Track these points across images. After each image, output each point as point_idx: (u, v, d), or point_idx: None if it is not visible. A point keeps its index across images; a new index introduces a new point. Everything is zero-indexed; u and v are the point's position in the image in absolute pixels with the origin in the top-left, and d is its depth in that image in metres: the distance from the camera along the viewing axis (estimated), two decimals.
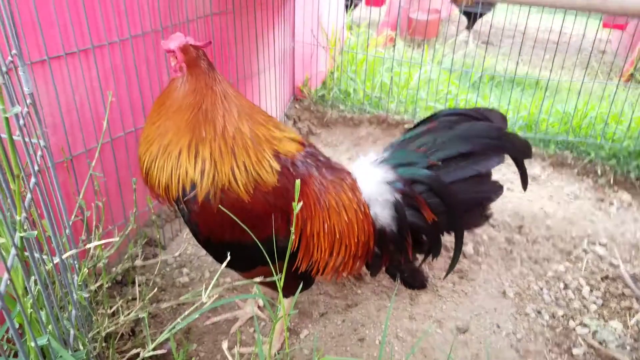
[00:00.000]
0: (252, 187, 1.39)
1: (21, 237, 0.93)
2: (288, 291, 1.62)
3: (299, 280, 1.55)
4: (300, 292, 1.35)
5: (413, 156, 1.62)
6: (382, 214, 1.61)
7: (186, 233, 2.36)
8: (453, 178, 1.61)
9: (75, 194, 1.69)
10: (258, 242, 1.25)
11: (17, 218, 0.92)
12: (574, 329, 1.92)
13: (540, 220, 2.57)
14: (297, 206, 1.06)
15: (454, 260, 1.74)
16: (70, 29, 1.62)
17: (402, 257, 1.69)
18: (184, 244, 2.30)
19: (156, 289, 2.01)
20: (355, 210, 1.57)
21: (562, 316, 1.99)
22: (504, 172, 3.02)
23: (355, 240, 1.58)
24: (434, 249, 1.72)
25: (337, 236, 1.56)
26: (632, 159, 3.02)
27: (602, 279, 2.21)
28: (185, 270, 2.15)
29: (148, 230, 2.23)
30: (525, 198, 2.75)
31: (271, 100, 3.09)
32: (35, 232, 0.94)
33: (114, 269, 1.86)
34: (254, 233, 1.38)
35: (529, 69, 3.81)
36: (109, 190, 1.94)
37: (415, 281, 2.01)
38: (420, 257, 1.80)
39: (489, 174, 1.66)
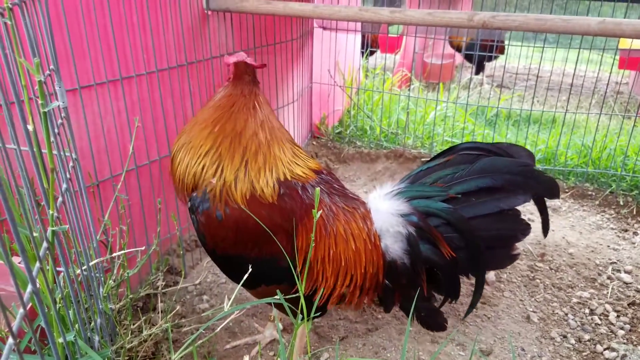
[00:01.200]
0: (249, 195, 1.42)
1: (52, 231, 0.98)
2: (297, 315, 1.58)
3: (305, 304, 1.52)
4: (313, 318, 1.32)
5: (429, 189, 1.57)
6: (393, 247, 1.56)
7: (207, 261, 2.39)
8: (473, 213, 1.53)
9: (100, 219, 1.75)
10: (259, 259, 1.28)
11: (50, 212, 0.98)
12: (602, 353, 1.85)
13: (563, 249, 2.53)
14: (316, 214, 1.09)
15: (475, 300, 1.63)
16: (101, 60, 1.75)
17: (416, 294, 1.60)
18: (204, 272, 2.32)
19: (176, 316, 2.02)
20: (365, 240, 1.54)
21: (589, 340, 1.92)
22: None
23: (362, 271, 1.53)
24: (452, 289, 1.62)
25: (343, 264, 1.52)
26: None
27: (629, 305, 2.14)
28: (205, 297, 2.16)
29: (169, 258, 2.27)
30: None
31: None
32: (67, 226, 0.99)
33: (139, 291, 1.89)
34: (256, 250, 1.42)
35: (544, 107, 3.85)
36: (133, 217, 2.01)
37: (433, 322, 1.76)
38: (439, 297, 1.71)
39: (514, 212, 1.56)
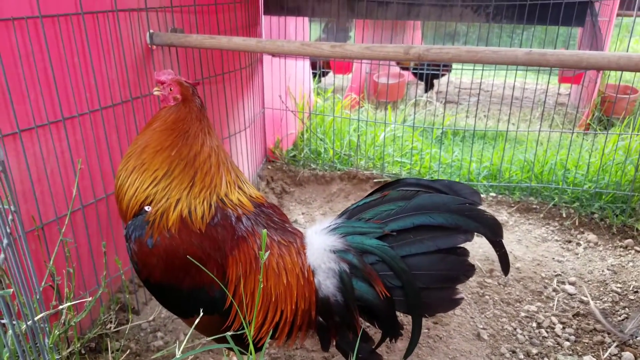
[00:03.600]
0: (180, 221, 1.45)
1: None
2: (243, 347, 1.55)
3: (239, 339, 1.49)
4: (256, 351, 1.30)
5: (365, 225, 1.53)
6: (326, 283, 1.51)
7: None
8: (409, 252, 1.47)
9: (47, 261, 1.70)
10: (190, 288, 1.29)
11: None
12: None
13: (510, 264, 2.62)
14: (264, 255, 1.11)
15: (411, 345, 1.56)
16: (42, 102, 1.71)
17: (351, 333, 1.56)
18: (158, 307, 2.28)
19: (130, 355, 1.97)
20: (298, 274, 1.50)
21: (537, 354, 2.00)
22: None
23: (293, 307, 1.50)
24: (390, 328, 1.56)
25: (273, 299, 1.49)
26: (594, 201, 3.16)
27: (573, 316, 2.25)
28: (159, 334, 2.12)
29: (121, 295, 2.22)
30: None
31: (244, 162, 3.19)
32: (11, 290, 0.97)
33: (87, 334, 1.83)
34: (187, 279, 1.42)
35: (490, 122, 4.03)
36: (81, 257, 1.96)
37: None
38: (377, 336, 1.64)
39: (456, 251, 1.49)
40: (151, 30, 2.18)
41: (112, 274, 2.13)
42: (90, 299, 1.68)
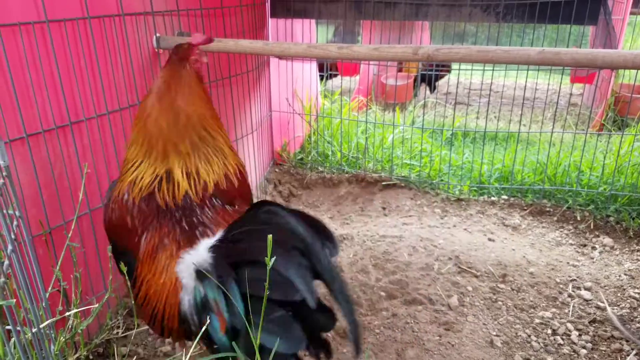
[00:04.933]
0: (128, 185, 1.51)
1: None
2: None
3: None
4: None
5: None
6: (183, 297, 1.35)
7: None
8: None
9: (54, 266, 1.69)
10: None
11: None
12: None
13: (524, 268, 2.58)
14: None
15: None
16: (49, 107, 1.70)
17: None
18: None
19: None
20: (167, 281, 1.39)
21: None
22: (484, 222, 3.07)
23: (162, 308, 1.40)
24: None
25: (151, 293, 1.43)
26: (610, 204, 3.09)
27: (590, 322, 2.19)
28: (167, 339, 2.09)
29: (128, 300, 2.20)
30: (508, 247, 2.77)
31: (251, 165, 3.17)
32: (13, 301, 0.95)
33: (94, 340, 1.82)
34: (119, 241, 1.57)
35: (501, 123, 3.98)
36: (89, 262, 1.94)
37: None
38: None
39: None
40: (158, 34, 2.17)
41: (120, 278, 2.11)
42: (96, 305, 1.66)
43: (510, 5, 3.04)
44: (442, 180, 3.49)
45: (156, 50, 2.18)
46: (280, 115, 3.68)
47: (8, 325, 1.10)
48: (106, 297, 1.73)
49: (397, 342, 2.06)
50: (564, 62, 1.78)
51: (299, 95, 3.82)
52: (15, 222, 1.28)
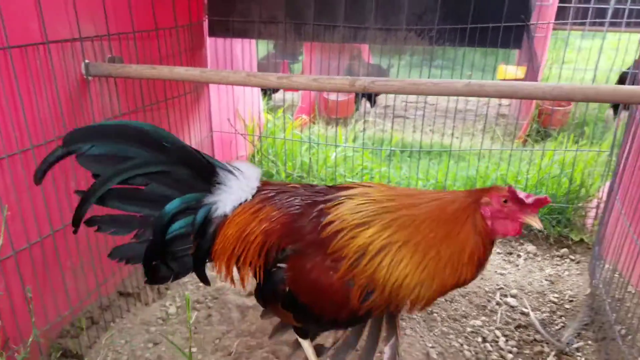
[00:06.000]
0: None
1: None
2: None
3: None
4: None
5: None
6: None
7: (105, 339, 2.26)
8: None
9: None
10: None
11: None
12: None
13: None
14: None
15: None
16: None
17: None
18: (104, 350, 2.20)
19: None
20: None
21: None
22: None
23: None
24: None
25: None
26: None
27: (515, 328, 2.35)
28: None
29: (62, 341, 2.12)
30: None
31: None
32: None
33: None
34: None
35: (435, 136, 4.14)
36: (15, 306, 1.85)
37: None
38: None
39: None
40: (87, 61, 2.12)
41: (52, 320, 2.04)
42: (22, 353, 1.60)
43: (442, 30, 3.21)
44: None
45: (85, 78, 2.13)
46: (222, 135, 3.66)
47: None
48: (30, 340, 1.66)
49: None
50: (488, 94, 1.90)
51: (241, 114, 3.83)
52: None
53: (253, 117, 3.96)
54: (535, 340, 2.26)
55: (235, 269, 1.67)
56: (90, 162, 1.55)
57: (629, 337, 1.99)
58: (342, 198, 1.54)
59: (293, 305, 1.58)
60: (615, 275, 2.31)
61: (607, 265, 2.42)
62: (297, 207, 1.59)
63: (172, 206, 1.57)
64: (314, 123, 5.03)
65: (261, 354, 2.20)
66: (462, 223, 1.39)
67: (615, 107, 5.15)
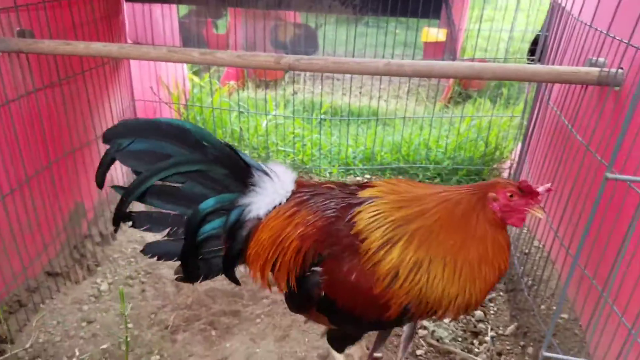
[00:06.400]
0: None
1: None
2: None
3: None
4: None
5: None
6: None
7: (35, 321, 2.22)
8: None
9: None
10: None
11: None
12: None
13: None
14: None
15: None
16: None
17: None
18: (35, 332, 2.17)
19: None
20: None
21: None
22: None
23: None
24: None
25: None
26: (452, 175, 3.56)
27: None
28: None
29: None
30: None
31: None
32: None
33: None
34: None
35: (364, 99, 4.24)
36: None
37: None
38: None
39: None
40: None
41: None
42: None
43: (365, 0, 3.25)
44: (315, 164, 3.69)
45: None
46: (145, 104, 3.54)
47: None
48: None
49: (276, 328, 2.25)
50: (407, 73, 1.99)
51: (165, 82, 3.70)
52: None
53: (177, 83, 3.84)
54: None
55: (270, 274, 1.65)
56: (129, 158, 1.57)
57: (534, 287, 2.26)
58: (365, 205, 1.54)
59: (329, 309, 1.55)
60: (523, 231, 2.58)
61: None
62: (333, 209, 1.55)
63: (206, 205, 1.57)
64: (242, 89, 4.94)
65: (199, 325, 2.27)
66: (475, 222, 1.42)
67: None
